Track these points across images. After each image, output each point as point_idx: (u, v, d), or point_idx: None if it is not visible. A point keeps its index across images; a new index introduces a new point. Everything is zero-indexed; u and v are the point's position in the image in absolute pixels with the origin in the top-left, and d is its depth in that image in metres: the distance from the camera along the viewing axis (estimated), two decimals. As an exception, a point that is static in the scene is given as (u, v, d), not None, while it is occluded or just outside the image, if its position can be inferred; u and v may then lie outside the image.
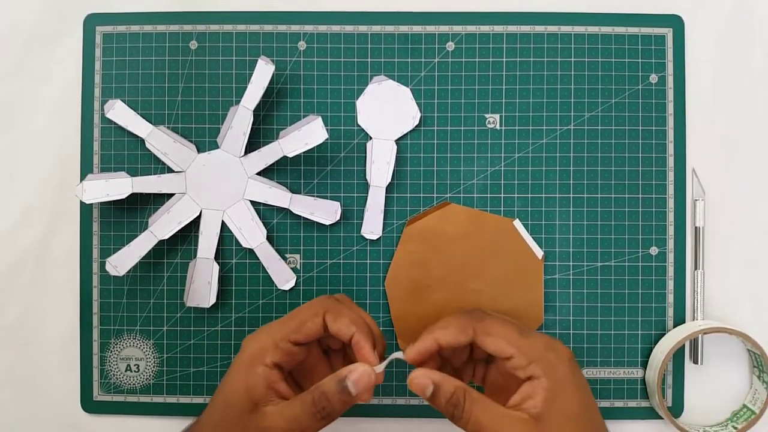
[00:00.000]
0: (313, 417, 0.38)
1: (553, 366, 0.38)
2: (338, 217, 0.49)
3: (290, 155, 0.48)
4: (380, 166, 0.50)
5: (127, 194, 0.48)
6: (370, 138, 0.51)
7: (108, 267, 0.48)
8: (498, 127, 0.51)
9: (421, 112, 0.51)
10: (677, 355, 0.50)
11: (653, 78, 0.51)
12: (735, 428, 0.48)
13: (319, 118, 0.48)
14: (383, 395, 0.51)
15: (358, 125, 0.51)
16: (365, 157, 0.51)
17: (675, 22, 0.51)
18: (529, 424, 0.37)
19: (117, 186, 0.48)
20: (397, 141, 0.51)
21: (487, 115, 0.51)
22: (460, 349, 0.41)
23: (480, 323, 0.39)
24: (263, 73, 0.48)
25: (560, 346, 0.39)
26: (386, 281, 0.50)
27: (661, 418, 0.49)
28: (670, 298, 0.50)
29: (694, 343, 0.50)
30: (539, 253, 0.50)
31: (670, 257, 0.50)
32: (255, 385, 0.39)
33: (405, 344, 0.48)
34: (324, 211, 0.49)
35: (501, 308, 0.49)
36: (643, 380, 0.50)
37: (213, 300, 0.49)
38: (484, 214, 0.50)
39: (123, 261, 0.48)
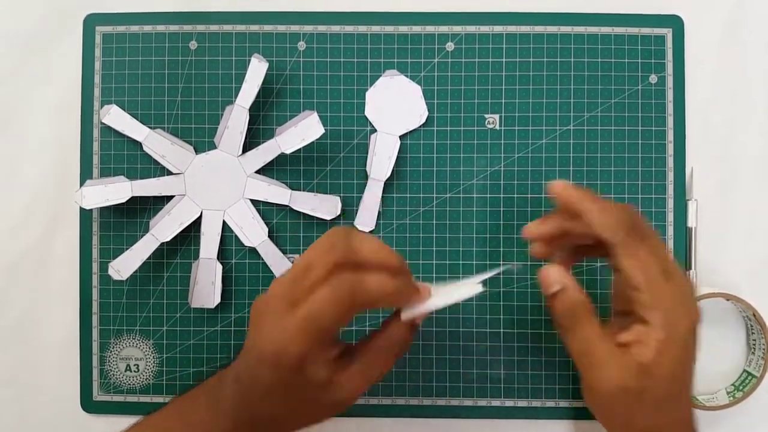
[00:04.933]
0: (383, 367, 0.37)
1: (675, 323, 0.35)
2: (338, 212, 0.49)
3: (288, 152, 0.48)
4: (381, 160, 0.50)
5: (127, 198, 0.48)
6: (375, 131, 0.51)
7: (111, 272, 0.48)
8: (498, 127, 0.51)
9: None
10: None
11: (653, 78, 0.51)
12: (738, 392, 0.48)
13: (315, 113, 0.48)
14: (383, 395, 0.51)
15: (364, 116, 0.51)
16: (366, 153, 0.50)
17: (675, 23, 0.51)
18: (632, 373, 0.35)
19: (116, 191, 0.48)
20: (400, 138, 0.51)
21: (486, 116, 0.51)
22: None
23: (635, 241, 0.36)
24: (257, 71, 0.48)
25: (693, 305, 0.36)
26: None
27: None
28: (670, 298, 0.50)
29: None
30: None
31: (670, 257, 0.50)
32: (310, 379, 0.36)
33: None
34: (325, 206, 0.49)
35: None
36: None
37: (217, 300, 0.49)
38: None
39: (126, 265, 0.48)
